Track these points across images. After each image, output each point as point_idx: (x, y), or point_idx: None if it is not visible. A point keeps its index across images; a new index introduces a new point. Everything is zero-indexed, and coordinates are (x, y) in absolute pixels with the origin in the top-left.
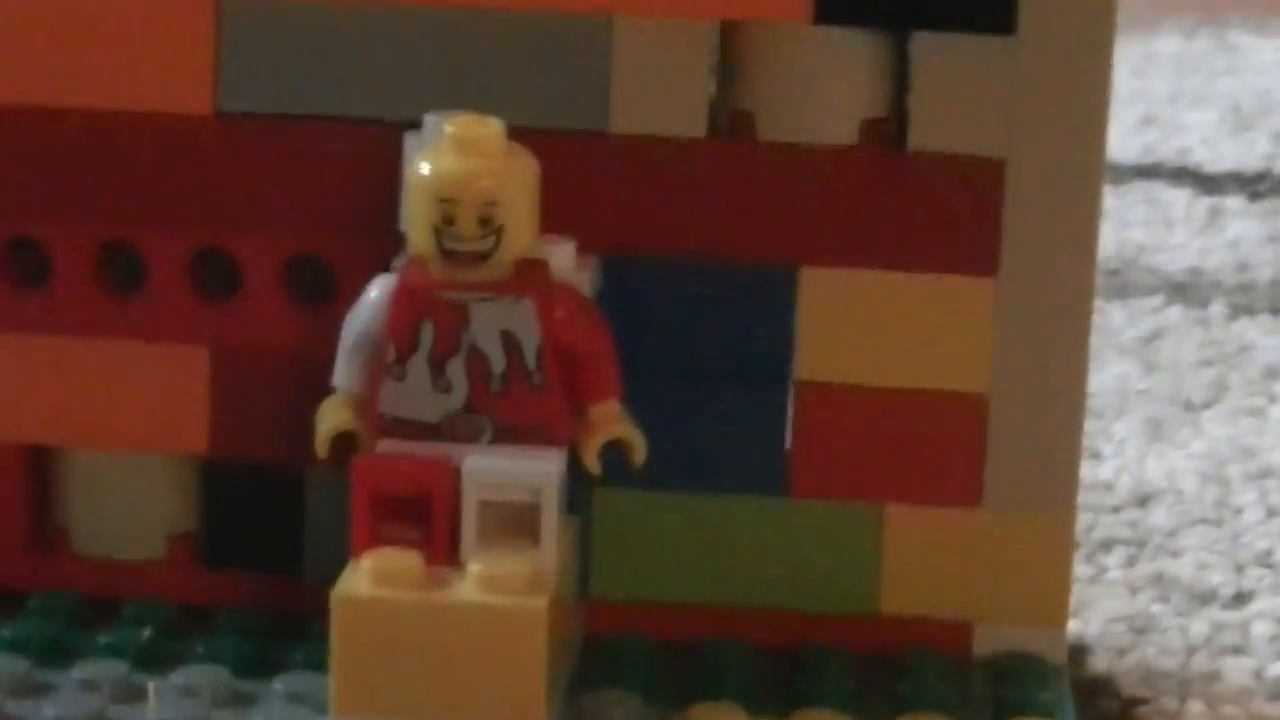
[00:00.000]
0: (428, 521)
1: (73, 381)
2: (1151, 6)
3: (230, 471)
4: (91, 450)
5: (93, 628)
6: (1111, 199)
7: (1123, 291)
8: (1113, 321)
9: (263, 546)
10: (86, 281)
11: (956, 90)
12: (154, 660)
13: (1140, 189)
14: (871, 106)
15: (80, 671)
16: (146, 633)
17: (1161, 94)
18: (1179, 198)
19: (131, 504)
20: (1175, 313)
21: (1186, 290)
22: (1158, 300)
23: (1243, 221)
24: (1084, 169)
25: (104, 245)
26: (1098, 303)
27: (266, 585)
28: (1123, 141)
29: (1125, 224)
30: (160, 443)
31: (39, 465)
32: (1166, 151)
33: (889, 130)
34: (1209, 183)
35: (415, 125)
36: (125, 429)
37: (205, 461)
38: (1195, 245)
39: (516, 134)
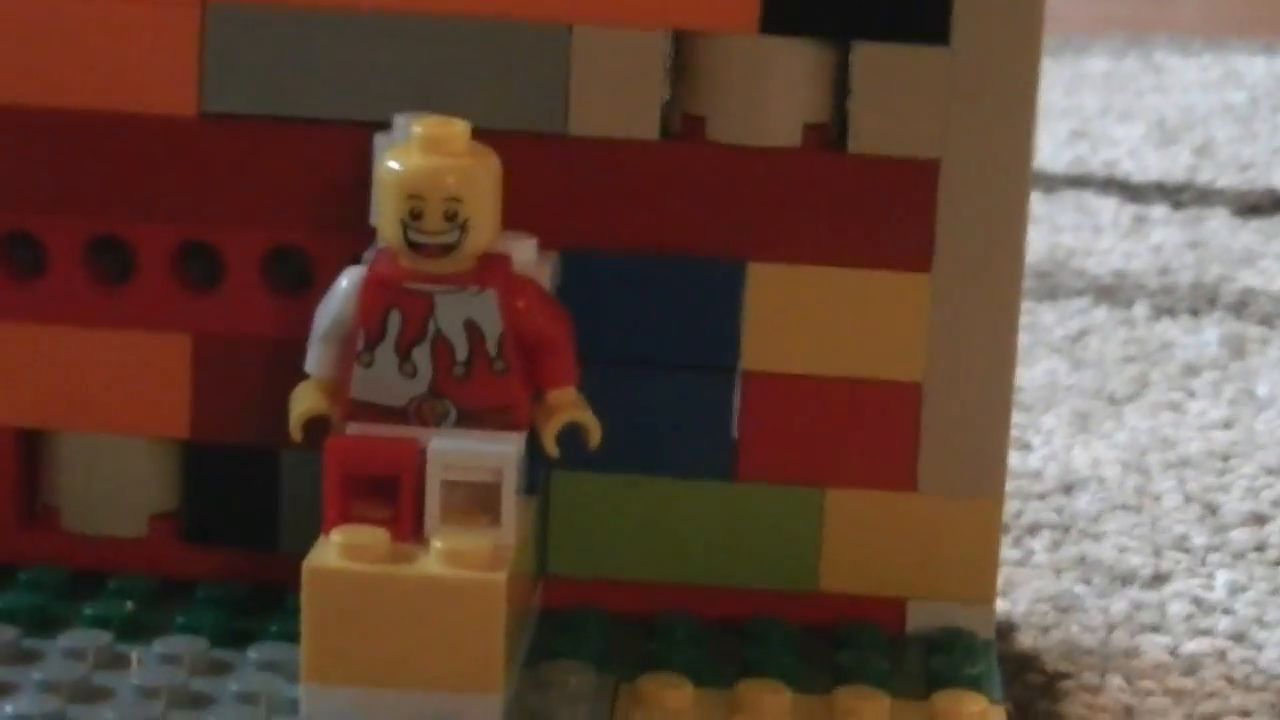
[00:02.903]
0: (395, 499)
1: (64, 368)
2: (1083, 29)
3: (210, 453)
4: (80, 433)
5: (79, 599)
6: (1043, 206)
7: (1052, 293)
8: (1043, 320)
9: (240, 524)
10: (77, 273)
11: (893, 96)
12: (136, 630)
13: (1070, 197)
14: (814, 111)
15: (67, 640)
16: (129, 605)
17: (1091, 110)
18: (1106, 206)
19: (117, 484)
20: (1101, 313)
21: (1112, 292)
22: (1085, 301)
23: (1165, 229)
24: (1013, 170)
25: (94, 239)
26: (1029, 303)
27: (243, 560)
28: (1055, 153)
29: (1056, 229)
30: (145, 426)
31: (31, 447)
32: (1095, 163)
33: (830, 133)
34: (1134, 192)
35: (385, 126)
36: (112, 413)
37: (187, 444)
38: (1121, 250)
39: (480, 135)
